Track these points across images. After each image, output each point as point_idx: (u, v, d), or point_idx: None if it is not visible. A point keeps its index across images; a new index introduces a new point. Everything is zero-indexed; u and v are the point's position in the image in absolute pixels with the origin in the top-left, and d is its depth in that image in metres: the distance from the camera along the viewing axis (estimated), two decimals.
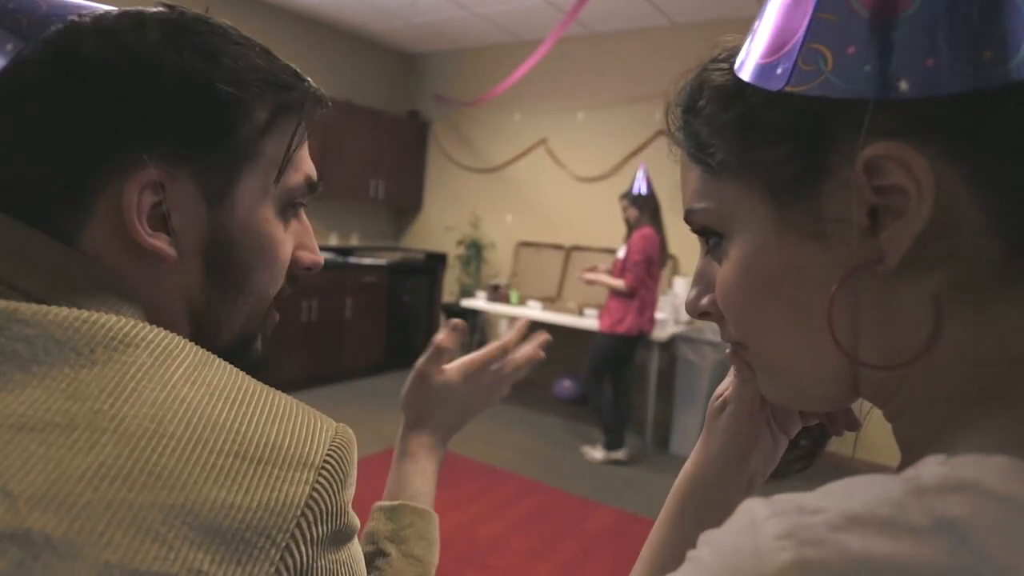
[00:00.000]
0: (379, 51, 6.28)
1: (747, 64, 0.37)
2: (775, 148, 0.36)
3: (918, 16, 0.30)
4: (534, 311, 4.79)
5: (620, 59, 5.22)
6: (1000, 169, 0.31)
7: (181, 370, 0.42)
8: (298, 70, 0.52)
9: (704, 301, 0.44)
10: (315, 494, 0.41)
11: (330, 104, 0.54)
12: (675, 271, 4.89)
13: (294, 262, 0.55)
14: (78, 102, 0.44)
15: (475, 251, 5.92)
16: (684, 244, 4.78)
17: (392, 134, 6.03)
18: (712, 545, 0.28)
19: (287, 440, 0.42)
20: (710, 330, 4.39)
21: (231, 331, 0.52)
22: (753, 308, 0.39)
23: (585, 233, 5.45)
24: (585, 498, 3.53)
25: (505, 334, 0.81)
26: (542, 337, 0.81)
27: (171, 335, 0.44)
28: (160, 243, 0.45)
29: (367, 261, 5.71)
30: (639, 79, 5.11)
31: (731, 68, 0.39)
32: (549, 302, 5.04)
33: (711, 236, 0.42)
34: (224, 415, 0.41)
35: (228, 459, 0.39)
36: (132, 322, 0.42)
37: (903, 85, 0.31)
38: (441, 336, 0.76)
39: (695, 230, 0.43)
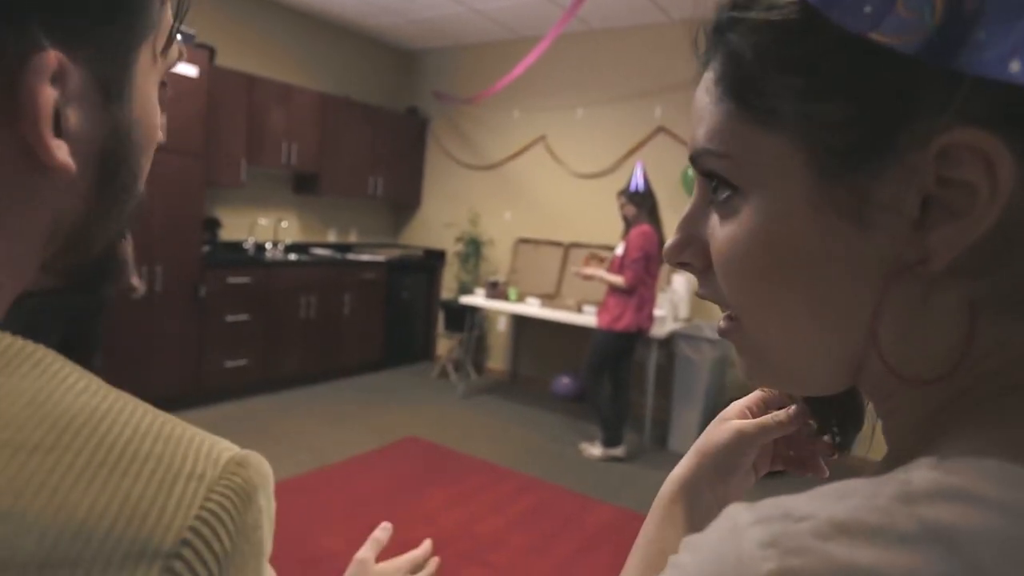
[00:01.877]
0: (378, 47, 6.26)
1: None
2: (840, 106, 0.29)
3: None
4: (532, 308, 4.79)
5: (619, 56, 5.21)
6: None
7: None
8: None
9: (688, 252, 0.39)
10: None
11: None
12: (674, 268, 4.88)
13: None
14: None
15: (474, 248, 5.92)
16: None
17: (390, 130, 6.02)
18: (694, 551, 0.27)
19: (111, 511, 0.27)
20: (708, 328, 4.39)
21: (105, 241, 0.39)
22: (761, 282, 0.34)
23: (584, 230, 5.45)
24: (584, 495, 3.53)
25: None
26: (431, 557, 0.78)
27: None
28: (64, 155, 0.32)
29: (365, 258, 5.71)
30: (638, 76, 5.11)
31: None
32: (548, 299, 5.04)
33: (722, 188, 0.35)
34: None
35: None
36: None
37: (1015, 66, 0.25)
38: (377, 532, 0.75)
39: (702, 173, 0.36)
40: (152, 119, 0.39)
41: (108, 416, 0.30)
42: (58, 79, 0.31)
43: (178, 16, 0.38)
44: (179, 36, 0.40)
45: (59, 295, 0.41)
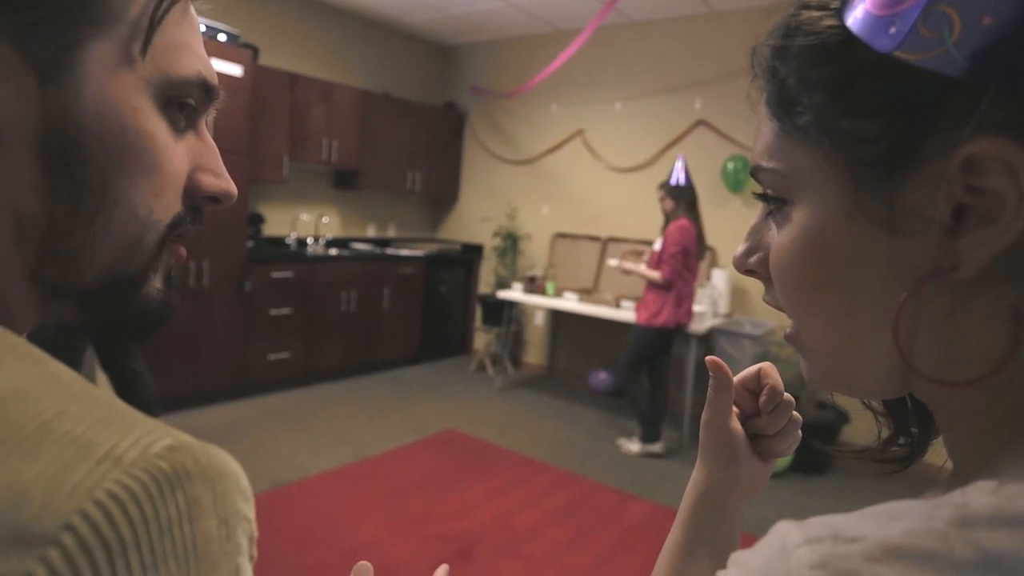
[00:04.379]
0: (416, 43, 6.31)
1: (856, 9, 0.32)
2: (868, 121, 0.31)
3: None
4: (570, 303, 4.78)
5: (658, 48, 5.15)
6: None
7: None
8: None
9: (752, 260, 0.41)
10: None
11: None
12: (713, 263, 4.82)
13: (194, 188, 0.41)
14: None
15: (511, 242, 5.93)
16: (722, 236, 4.70)
17: (429, 126, 6.07)
18: (742, 569, 0.27)
19: None
20: (748, 323, 4.32)
21: (96, 263, 0.36)
22: (806, 285, 0.36)
23: (622, 224, 5.41)
24: (621, 490, 3.52)
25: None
26: None
27: None
28: None
29: (404, 252, 5.77)
30: (677, 68, 5.04)
31: (837, 11, 0.33)
32: (585, 294, 5.02)
33: (773, 200, 0.38)
34: None
35: None
36: None
37: None
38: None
39: (762, 192, 0.40)
40: (130, 128, 0.36)
41: (32, 397, 0.27)
42: None
43: (154, 17, 0.36)
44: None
45: (80, 331, 0.39)
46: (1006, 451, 0.29)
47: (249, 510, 0.31)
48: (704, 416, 0.57)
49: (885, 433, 0.45)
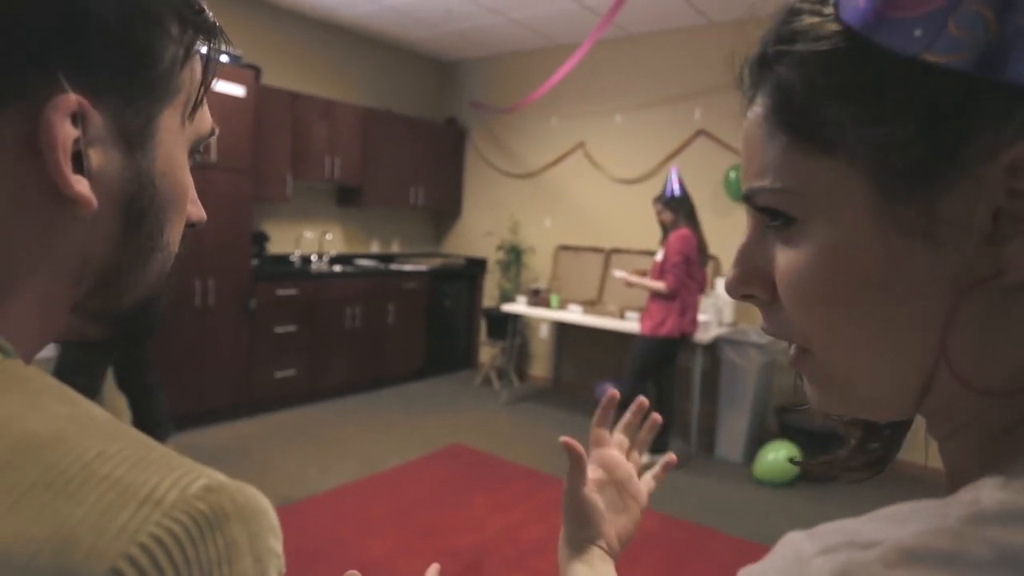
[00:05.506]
0: (416, 60, 6.36)
1: (865, 13, 0.29)
2: (899, 127, 0.29)
3: None
4: (574, 315, 4.78)
5: (657, 60, 5.18)
6: None
7: None
8: None
9: (752, 284, 0.38)
10: None
11: (229, 40, 0.45)
12: (717, 272, 4.82)
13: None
14: None
15: (515, 256, 5.94)
16: (725, 245, 4.70)
17: (430, 141, 6.10)
18: None
19: (38, 536, 0.25)
20: (754, 332, 4.31)
21: (136, 295, 0.41)
22: (830, 305, 0.33)
23: (625, 235, 5.42)
24: None
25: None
26: None
27: None
28: (84, 188, 0.35)
29: (408, 267, 5.78)
30: (677, 79, 5.07)
31: (835, 16, 0.31)
32: (589, 305, 5.02)
33: (779, 217, 0.35)
34: None
35: None
36: None
37: None
38: None
39: (758, 209, 0.36)
40: (178, 177, 0.41)
41: (71, 439, 0.28)
42: (80, 120, 0.34)
43: (202, 89, 0.42)
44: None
45: (102, 344, 0.43)
46: (1014, 452, 0.29)
47: (279, 546, 0.32)
48: (563, 486, 0.69)
49: (852, 442, 0.43)
